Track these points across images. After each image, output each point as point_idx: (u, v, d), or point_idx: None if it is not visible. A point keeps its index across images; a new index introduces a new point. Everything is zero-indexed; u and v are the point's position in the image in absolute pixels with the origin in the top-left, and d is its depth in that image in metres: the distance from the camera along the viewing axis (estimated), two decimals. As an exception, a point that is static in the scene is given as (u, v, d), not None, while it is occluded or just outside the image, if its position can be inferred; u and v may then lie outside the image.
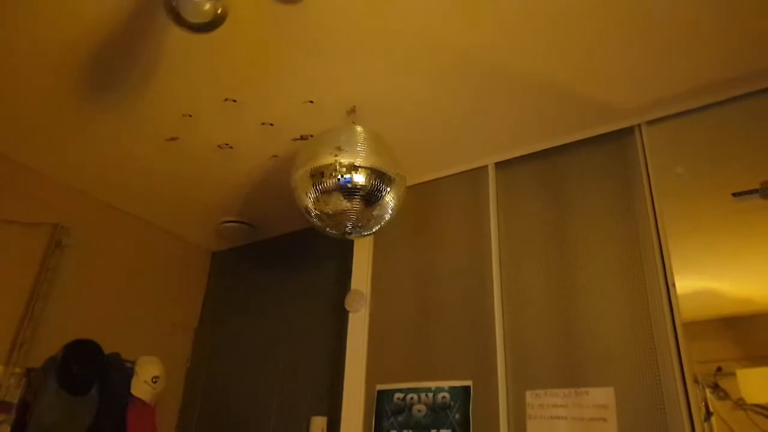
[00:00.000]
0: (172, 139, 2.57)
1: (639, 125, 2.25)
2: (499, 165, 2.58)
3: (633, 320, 1.98)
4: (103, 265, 3.09)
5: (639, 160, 2.20)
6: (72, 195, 3.00)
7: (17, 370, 2.54)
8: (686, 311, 1.92)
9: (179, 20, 1.64)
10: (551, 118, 2.32)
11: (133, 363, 2.88)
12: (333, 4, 1.82)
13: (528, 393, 2.09)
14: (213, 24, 1.65)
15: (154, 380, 2.85)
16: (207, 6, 1.61)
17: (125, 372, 2.82)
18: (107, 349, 2.76)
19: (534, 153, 2.49)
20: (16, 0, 1.85)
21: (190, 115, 2.40)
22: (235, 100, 2.29)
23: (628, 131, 2.28)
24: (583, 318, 2.09)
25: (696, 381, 1.89)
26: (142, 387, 2.81)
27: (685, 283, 1.97)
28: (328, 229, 2.15)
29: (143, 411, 2.79)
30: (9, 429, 2.42)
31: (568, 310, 2.13)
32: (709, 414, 2.45)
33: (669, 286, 1.95)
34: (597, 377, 1.97)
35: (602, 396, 1.93)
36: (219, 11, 1.62)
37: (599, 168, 2.30)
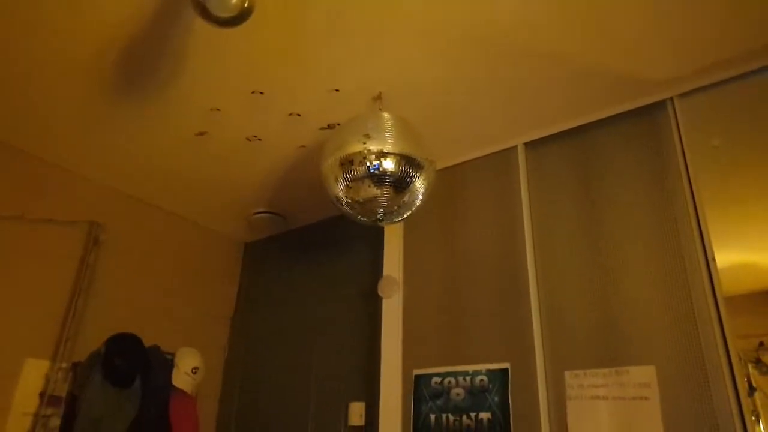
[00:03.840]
0: (201, 133, 2.59)
1: (671, 98, 2.20)
2: (528, 145, 2.55)
3: (672, 297, 1.95)
4: (139, 259, 3.15)
5: (672, 134, 2.15)
6: (106, 192, 3.07)
7: (64, 364, 2.62)
8: (726, 285, 1.88)
9: (206, 15, 1.61)
10: (581, 95, 2.27)
11: (173, 355, 2.95)
12: (356, -9, 1.80)
13: (567, 373, 2.08)
14: (240, 18, 1.63)
15: (193, 371, 2.91)
16: None
17: (166, 364, 2.88)
18: (147, 342, 2.83)
19: (564, 131, 2.45)
20: (42, 16, 1.90)
21: (218, 109, 2.41)
22: (261, 93, 2.30)
23: (660, 105, 2.22)
24: (621, 296, 2.06)
25: (738, 356, 1.86)
26: (182, 378, 2.87)
27: (723, 257, 1.92)
28: (359, 217, 2.15)
29: (185, 401, 2.86)
30: (59, 422, 2.51)
31: (604, 289, 2.11)
32: (752, 389, 2.41)
33: (708, 261, 1.92)
34: (637, 355, 1.95)
35: (643, 374, 1.91)
36: (246, 4, 1.60)
37: (632, 143, 2.25)
